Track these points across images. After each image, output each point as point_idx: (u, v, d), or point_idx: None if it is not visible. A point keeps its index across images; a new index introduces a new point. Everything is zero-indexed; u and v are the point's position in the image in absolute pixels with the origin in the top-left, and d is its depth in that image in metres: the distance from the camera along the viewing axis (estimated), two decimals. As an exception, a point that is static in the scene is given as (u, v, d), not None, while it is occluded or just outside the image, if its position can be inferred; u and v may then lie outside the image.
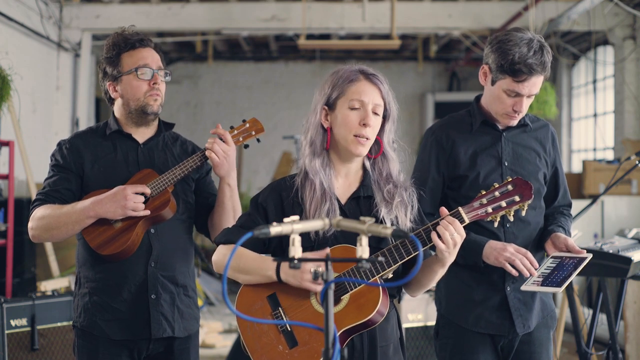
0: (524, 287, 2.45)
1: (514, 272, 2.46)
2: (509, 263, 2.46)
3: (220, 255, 2.18)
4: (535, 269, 2.46)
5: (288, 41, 9.92)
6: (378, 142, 2.21)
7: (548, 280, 2.40)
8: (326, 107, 2.19)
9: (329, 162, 2.19)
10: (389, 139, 2.22)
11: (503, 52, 2.49)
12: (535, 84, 2.51)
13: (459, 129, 2.67)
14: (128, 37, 2.59)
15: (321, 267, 1.65)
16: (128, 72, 2.56)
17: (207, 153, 2.53)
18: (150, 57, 2.60)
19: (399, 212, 2.18)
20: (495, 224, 2.17)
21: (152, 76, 2.58)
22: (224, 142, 2.57)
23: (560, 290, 2.36)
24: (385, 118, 2.20)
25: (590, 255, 2.47)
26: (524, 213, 2.17)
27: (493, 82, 2.56)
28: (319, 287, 2.02)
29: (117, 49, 2.58)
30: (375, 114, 2.15)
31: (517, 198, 2.10)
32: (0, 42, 6.30)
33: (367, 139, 2.13)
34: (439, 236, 2.04)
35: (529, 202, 2.10)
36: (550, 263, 2.49)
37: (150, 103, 2.58)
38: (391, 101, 2.20)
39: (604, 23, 7.42)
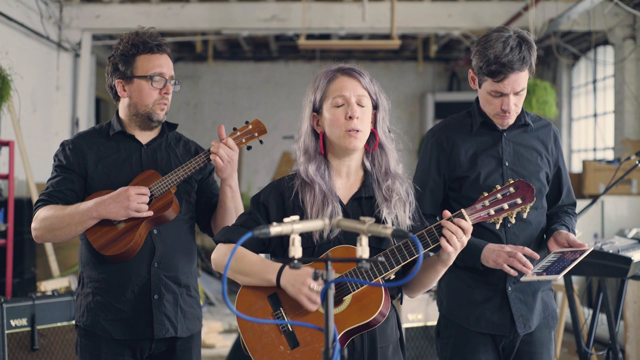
0: (523, 278, 2.45)
1: (514, 273, 2.45)
2: (507, 264, 2.45)
3: (221, 254, 2.18)
4: (534, 264, 2.45)
5: (288, 41, 9.93)
6: (374, 135, 2.21)
7: (548, 270, 2.41)
8: (315, 113, 2.20)
9: (327, 165, 2.19)
10: (383, 129, 2.22)
11: (481, 55, 2.50)
12: (517, 80, 2.49)
13: (459, 130, 2.67)
14: (147, 40, 2.57)
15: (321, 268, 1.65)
16: (142, 76, 2.55)
17: (211, 157, 2.53)
18: (166, 66, 2.59)
19: (398, 210, 2.18)
20: (497, 226, 2.16)
21: (164, 85, 2.58)
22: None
23: (559, 277, 2.36)
24: (376, 109, 2.20)
25: (590, 248, 2.49)
26: (525, 215, 2.17)
27: (480, 85, 2.58)
28: (312, 306, 2.01)
29: (134, 49, 2.56)
30: (361, 105, 2.15)
31: (519, 200, 2.09)
32: (0, 42, 6.30)
33: (357, 131, 2.12)
34: (447, 240, 2.04)
35: (531, 204, 2.10)
36: (552, 257, 2.50)
37: (157, 111, 2.59)
38: (377, 91, 2.20)
39: (604, 23, 7.42)
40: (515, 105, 2.54)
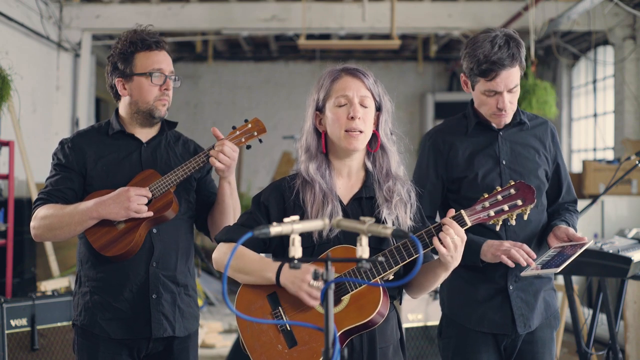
0: (523, 273, 2.45)
1: (511, 264, 2.44)
2: (506, 256, 2.45)
3: (221, 253, 2.18)
4: (534, 259, 2.45)
5: (288, 41, 9.93)
6: (376, 136, 2.21)
7: (547, 264, 2.41)
8: (318, 112, 2.20)
9: (328, 165, 2.19)
10: (385, 131, 2.22)
11: (470, 56, 2.53)
12: (509, 77, 2.51)
13: (455, 133, 2.68)
14: (145, 37, 2.57)
15: (321, 267, 1.65)
16: (141, 74, 2.55)
17: (210, 160, 2.52)
18: (165, 62, 2.58)
19: (399, 211, 2.17)
20: (497, 228, 2.16)
21: (164, 82, 2.57)
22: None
23: (558, 270, 2.35)
24: (379, 111, 2.20)
25: (590, 241, 2.49)
26: (526, 217, 2.16)
27: (473, 87, 2.60)
28: (313, 302, 2.01)
29: (132, 47, 2.55)
30: (364, 106, 2.14)
31: (519, 202, 2.09)
32: (0, 42, 6.30)
33: (359, 132, 2.12)
34: (440, 240, 2.04)
35: (532, 206, 2.09)
36: (552, 252, 2.50)
37: (158, 107, 2.58)
38: (380, 93, 2.20)
39: (604, 23, 7.42)
40: (510, 103, 2.56)
